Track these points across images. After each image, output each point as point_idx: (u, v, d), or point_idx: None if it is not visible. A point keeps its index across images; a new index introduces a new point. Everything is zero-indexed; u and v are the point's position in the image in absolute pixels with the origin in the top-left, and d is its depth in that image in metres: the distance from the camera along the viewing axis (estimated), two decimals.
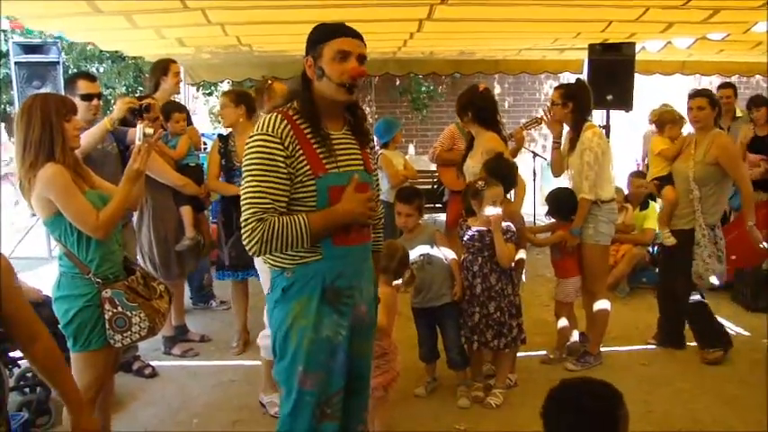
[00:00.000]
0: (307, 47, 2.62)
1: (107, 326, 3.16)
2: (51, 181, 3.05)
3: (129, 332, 3.20)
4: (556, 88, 5.15)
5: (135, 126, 4.32)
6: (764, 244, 4.92)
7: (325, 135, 2.59)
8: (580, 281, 5.01)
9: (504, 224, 4.27)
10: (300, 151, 2.53)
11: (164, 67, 5.65)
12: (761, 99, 6.83)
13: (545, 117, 5.12)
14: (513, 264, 4.37)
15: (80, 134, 3.31)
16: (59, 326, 3.22)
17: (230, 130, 5.20)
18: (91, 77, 4.62)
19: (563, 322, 5.10)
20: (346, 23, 2.63)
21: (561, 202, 5.00)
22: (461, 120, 5.18)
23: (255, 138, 2.53)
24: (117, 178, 3.40)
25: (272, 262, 2.65)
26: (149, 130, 3.33)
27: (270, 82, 4.83)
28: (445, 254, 4.36)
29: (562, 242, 4.88)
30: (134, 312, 3.21)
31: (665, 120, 5.88)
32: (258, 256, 2.58)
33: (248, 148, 2.54)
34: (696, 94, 5.00)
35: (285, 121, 2.54)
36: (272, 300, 2.68)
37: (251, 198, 2.50)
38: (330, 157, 2.59)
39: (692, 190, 4.87)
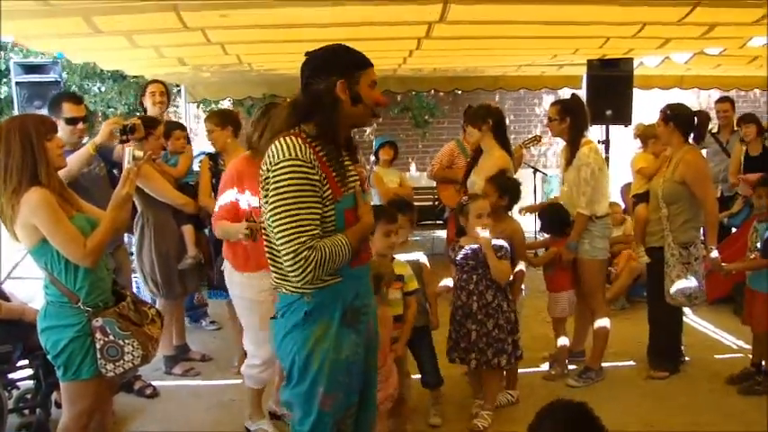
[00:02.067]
0: (333, 69, 2.59)
1: (98, 355, 3.08)
2: (37, 206, 2.95)
3: (122, 361, 3.12)
4: (552, 104, 5.17)
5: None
6: (723, 265, 4.84)
7: (341, 160, 2.63)
8: (573, 295, 5.02)
9: (496, 242, 4.24)
10: (324, 176, 2.53)
11: (143, 89, 5.83)
12: (750, 116, 6.89)
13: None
14: (510, 278, 4.36)
15: (64, 153, 3.23)
16: (48, 356, 3.16)
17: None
18: (76, 99, 4.52)
19: (563, 339, 5.09)
20: (349, 43, 2.68)
21: (553, 218, 5.03)
22: (479, 129, 5.13)
23: (288, 164, 2.47)
24: (108, 198, 3.30)
25: (291, 288, 2.61)
26: (139, 153, 3.23)
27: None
28: (427, 282, 4.30)
29: (557, 257, 4.88)
30: (127, 341, 3.12)
31: (648, 134, 5.88)
32: (311, 284, 2.54)
33: (281, 176, 2.47)
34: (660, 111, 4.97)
35: (306, 146, 2.52)
36: (288, 325, 2.63)
37: (296, 227, 2.46)
38: (342, 180, 2.62)
39: (661, 208, 4.82)
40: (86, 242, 3.05)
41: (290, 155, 2.48)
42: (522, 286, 4.73)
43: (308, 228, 2.46)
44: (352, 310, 2.65)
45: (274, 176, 2.49)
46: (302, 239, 2.45)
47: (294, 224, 2.45)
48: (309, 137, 2.57)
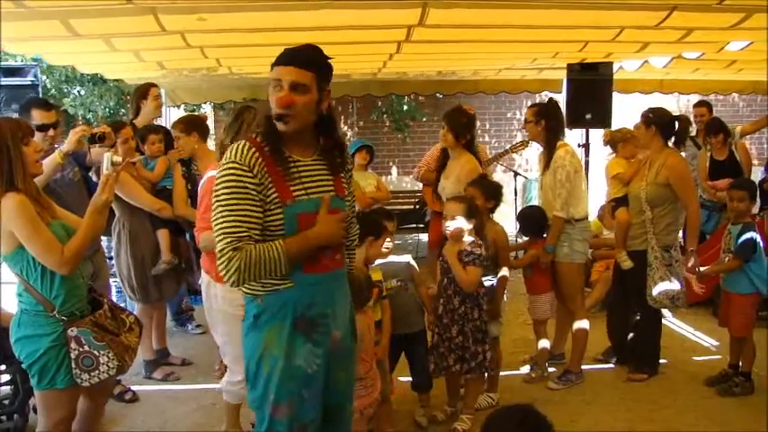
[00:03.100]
0: None
1: (73, 365, 3.03)
2: (14, 212, 2.89)
3: (97, 371, 3.08)
4: (529, 107, 5.20)
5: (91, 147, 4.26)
6: (699, 268, 4.88)
7: (285, 162, 2.55)
8: (553, 297, 5.05)
9: (467, 247, 4.16)
10: (269, 179, 2.50)
11: (143, 91, 5.71)
12: (717, 125, 6.94)
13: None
14: (476, 288, 4.21)
15: (41, 159, 3.18)
16: (23, 365, 3.10)
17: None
18: (46, 105, 4.42)
19: (543, 342, 5.11)
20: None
21: (531, 221, 5.06)
22: (457, 139, 5.13)
23: (225, 167, 2.49)
24: (83, 204, 3.24)
25: (245, 289, 2.60)
26: (117, 159, 3.18)
27: None
28: (418, 284, 4.31)
29: (535, 259, 4.91)
30: (102, 352, 3.07)
31: (616, 139, 5.93)
32: (237, 286, 2.54)
33: (218, 178, 2.50)
34: (641, 115, 5.02)
35: (253, 149, 2.50)
36: (245, 327, 2.64)
37: (224, 228, 2.46)
38: (298, 184, 2.55)
39: (644, 211, 4.86)
40: (64, 249, 3.00)
41: (231, 158, 2.49)
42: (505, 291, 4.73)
43: (236, 229, 2.45)
44: (305, 320, 2.58)
45: (215, 179, 2.52)
46: (228, 240, 2.44)
47: (224, 225, 2.46)
48: (264, 140, 2.55)
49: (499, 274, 4.54)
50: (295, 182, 2.54)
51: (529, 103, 12.63)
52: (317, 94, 2.52)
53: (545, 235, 5.00)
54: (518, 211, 8.87)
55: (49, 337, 3.02)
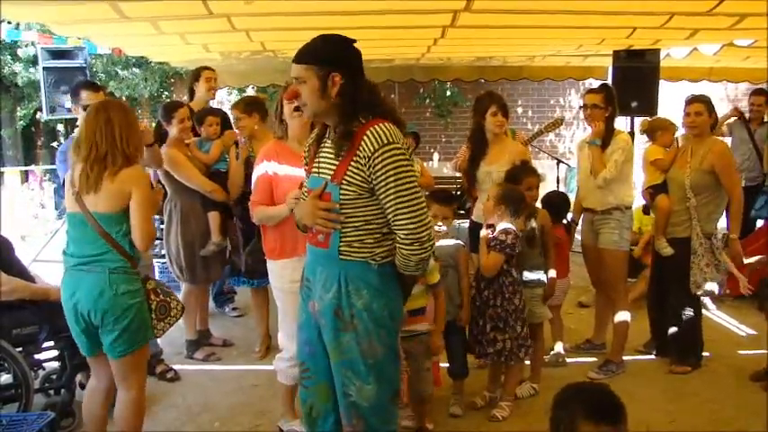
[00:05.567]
0: None
1: (153, 316, 3.32)
2: (141, 181, 3.22)
3: (169, 317, 3.40)
4: (594, 92, 5.01)
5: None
6: (743, 258, 4.84)
7: (318, 142, 2.85)
8: (567, 283, 5.05)
9: (497, 233, 4.11)
10: (308, 155, 2.90)
11: (196, 74, 5.85)
12: None
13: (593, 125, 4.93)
14: (494, 273, 4.15)
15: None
16: (109, 329, 3.20)
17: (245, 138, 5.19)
18: (95, 87, 4.57)
19: (558, 346, 5.16)
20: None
21: (551, 206, 5.00)
22: (506, 121, 4.92)
23: None
24: None
25: None
26: None
27: None
28: (461, 273, 4.23)
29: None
30: (171, 297, 3.43)
31: (654, 127, 5.84)
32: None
33: None
34: (694, 100, 4.92)
35: (318, 131, 2.88)
36: None
37: None
38: (317, 162, 2.83)
39: (689, 198, 4.80)
40: None
41: None
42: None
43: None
44: (303, 277, 2.93)
45: None
46: None
47: None
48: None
49: (549, 275, 4.59)
50: (316, 160, 2.85)
51: (572, 91, 12.55)
52: (318, 81, 2.63)
53: (564, 221, 5.08)
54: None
55: (139, 291, 3.30)
